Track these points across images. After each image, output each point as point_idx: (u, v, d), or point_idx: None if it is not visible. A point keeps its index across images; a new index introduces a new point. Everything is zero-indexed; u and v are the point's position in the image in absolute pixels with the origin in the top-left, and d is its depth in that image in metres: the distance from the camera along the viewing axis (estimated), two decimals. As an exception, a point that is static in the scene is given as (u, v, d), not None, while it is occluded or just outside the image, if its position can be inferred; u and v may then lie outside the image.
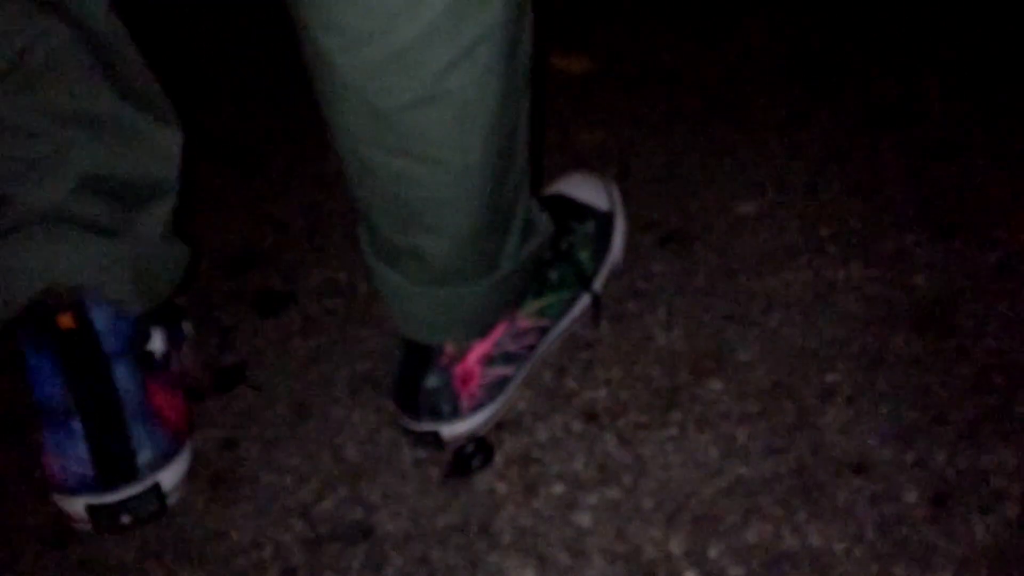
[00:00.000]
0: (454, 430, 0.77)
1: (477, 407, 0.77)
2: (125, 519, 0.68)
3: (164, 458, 0.70)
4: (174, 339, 0.78)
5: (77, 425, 0.65)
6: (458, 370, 0.76)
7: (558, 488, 0.74)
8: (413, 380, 0.76)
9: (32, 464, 0.81)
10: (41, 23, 0.63)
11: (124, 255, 0.70)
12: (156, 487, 0.69)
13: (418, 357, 0.75)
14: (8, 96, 0.64)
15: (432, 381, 0.75)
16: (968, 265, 0.86)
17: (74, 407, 0.65)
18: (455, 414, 0.76)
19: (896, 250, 0.88)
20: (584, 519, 0.72)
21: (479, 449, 0.77)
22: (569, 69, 1.14)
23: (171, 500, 0.71)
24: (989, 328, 0.80)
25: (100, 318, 0.65)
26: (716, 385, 0.79)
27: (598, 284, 0.87)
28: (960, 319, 0.81)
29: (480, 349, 0.76)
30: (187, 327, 0.86)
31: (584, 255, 0.85)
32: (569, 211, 0.87)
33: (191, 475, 0.78)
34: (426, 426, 0.77)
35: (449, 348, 0.75)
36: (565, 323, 0.84)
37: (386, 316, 0.74)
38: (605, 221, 0.89)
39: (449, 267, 0.69)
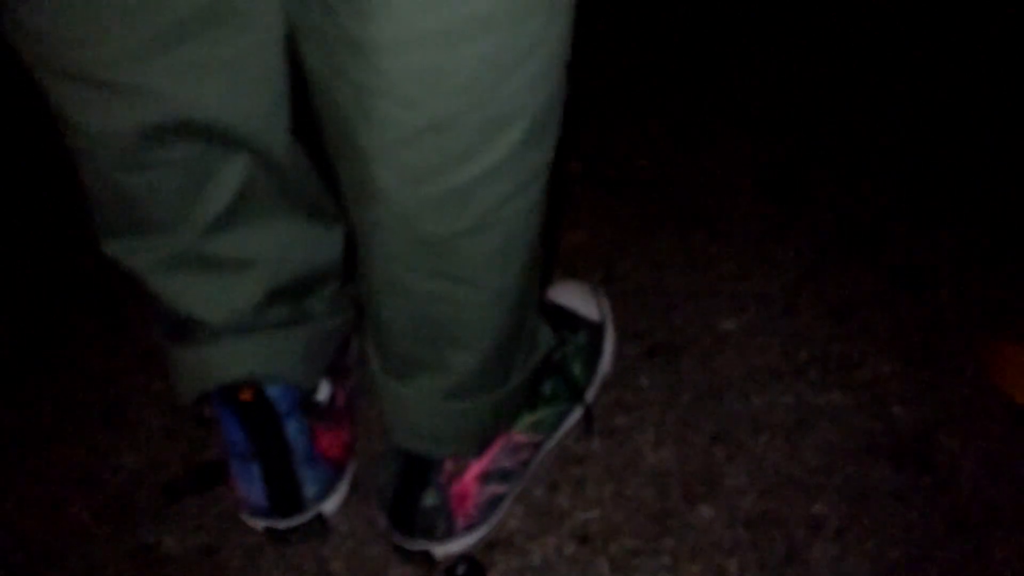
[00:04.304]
0: (447, 549, 0.75)
1: (471, 526, 0.76)
2: (293, 539, 0.79)
3: (326, 491, 0.79)
4: (339, 375, 0.82)
5: (256, 468, 0.75)
6: (455, 489, 0.74)
7: (552, 615, 0.73)
8: (410, 498, 0.74)
9: None
10: (234, 162, 0.63)
11: (295, 339, 0.74)
12: (319, 515, 0.78)
13: (416, 473, 0.74)
14: (203, 235, 0.65)
15: (429, 500, 0.74)
16: (941, 397, 0.89)
17: (254, 454, 0.74)
18: (449, 534, 0.75)
19: (872, 378, 0.91)
20: (579, 651, 0.71)
21: (471, 570, 0.75)
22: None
23: (333, 521, 0.81)
24: (964, 464, 0.83)
25: (274, 390, 0.73)
26: (706, 512, 0.80)
27: (590, 396, 0.87)
28: (936, 454, 0.84)
29: (477, 467, 0.75)
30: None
31: (577, 367, 0.85)
32: (561, 321, 0.87)
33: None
34: (419, 545, 0.75)
35: (448, 466, 0.74)
36: (558, 436, 0.84)
37: (379, 423, 0.73)
38: (596, 332, 0.89)
39: (469, 380, 0.68)
